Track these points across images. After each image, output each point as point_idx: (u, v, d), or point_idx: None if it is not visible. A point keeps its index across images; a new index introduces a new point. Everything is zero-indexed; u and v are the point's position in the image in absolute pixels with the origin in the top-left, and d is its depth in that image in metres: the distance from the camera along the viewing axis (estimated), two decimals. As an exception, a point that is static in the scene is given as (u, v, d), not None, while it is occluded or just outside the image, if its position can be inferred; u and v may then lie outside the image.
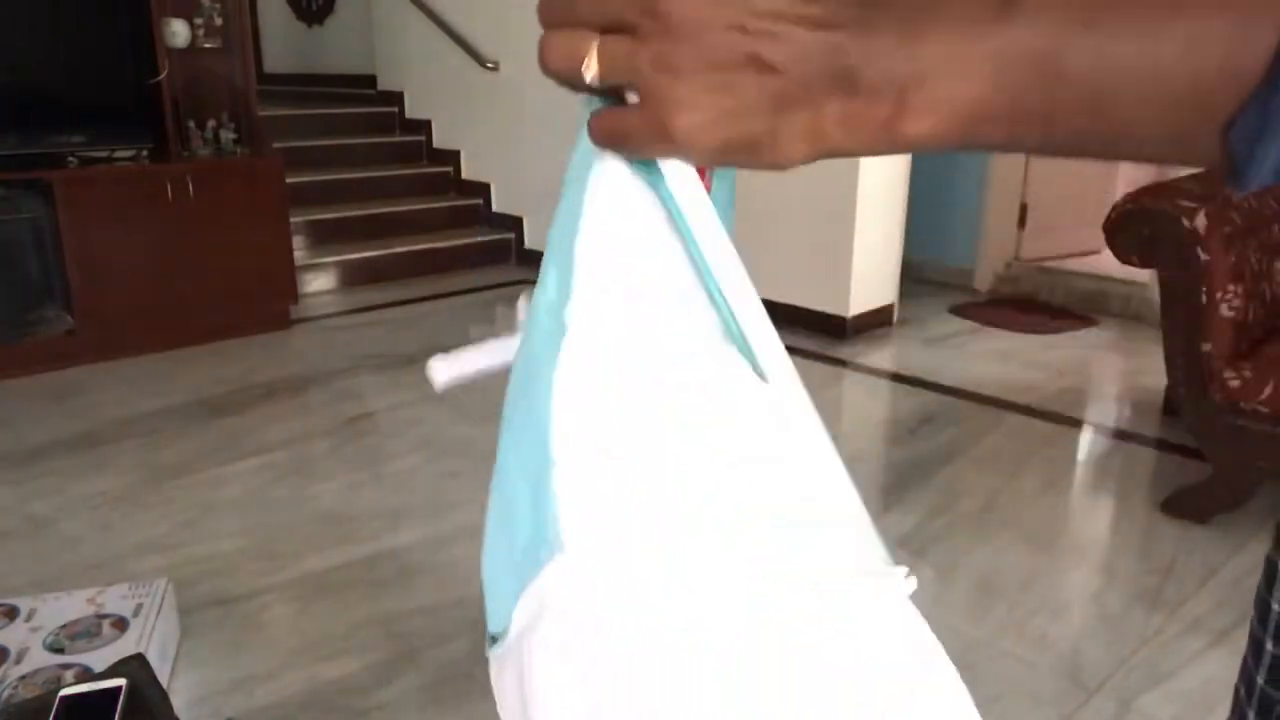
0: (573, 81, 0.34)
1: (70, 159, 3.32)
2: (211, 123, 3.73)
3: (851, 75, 0.31)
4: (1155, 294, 2.66)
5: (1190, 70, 0.30)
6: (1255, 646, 0.62)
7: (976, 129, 0.32)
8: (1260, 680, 0.62)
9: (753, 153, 0.33)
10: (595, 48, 0.33)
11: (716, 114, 0.32)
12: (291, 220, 3.94)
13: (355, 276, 4.62)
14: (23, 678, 1.56)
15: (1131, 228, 2.29)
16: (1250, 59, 0.29)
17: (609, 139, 0.35)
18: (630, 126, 0.34)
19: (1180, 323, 2.25)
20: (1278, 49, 0.29)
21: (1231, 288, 2.21)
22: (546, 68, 0.35)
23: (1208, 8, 0.30)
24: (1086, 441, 2.93)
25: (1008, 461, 2.72)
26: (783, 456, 0.38)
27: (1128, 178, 5.13)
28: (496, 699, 0.40)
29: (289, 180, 3.94)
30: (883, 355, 3.75)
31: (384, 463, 2.67)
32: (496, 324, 4.44)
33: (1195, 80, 0.30)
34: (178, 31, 3.61)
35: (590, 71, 0.33)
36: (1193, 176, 2.39)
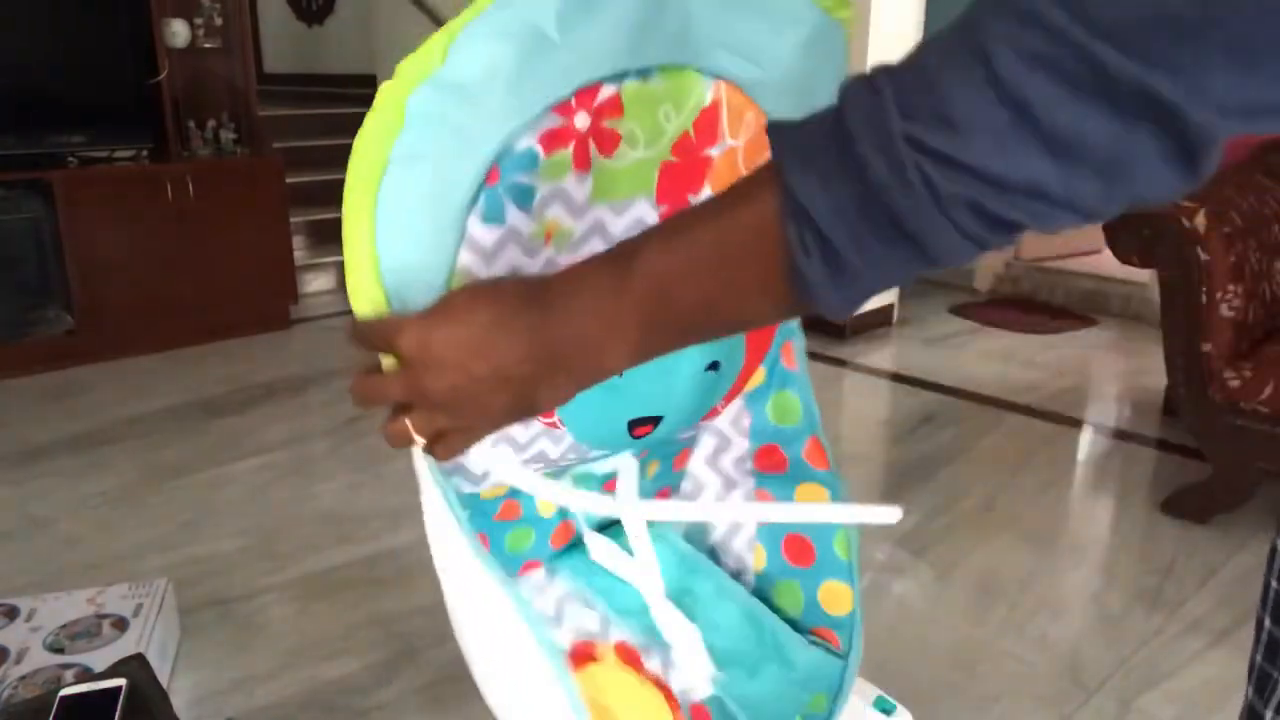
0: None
1: (70, 159, 3.32)
2: (211, 123, 3.73)
3: (556, 359, 0.47)
4: (1155, 294, 2.66)
5: (748, 279, 0.42)
6: (1258, 624, 0.66)
7: (648, 349, 0.46)
8: (1258, 658, 0.65)
9: (531, 412, 0.51)
10: (388, 428, 0.56)
11: (467, 437, 0.55)
12: (291, 220, 3.94)
13: (355, 276, 4.61)
14: (23, 678, 1.56)
15: (1131, 228, 2.29)
16: (777, 259, 0.40)
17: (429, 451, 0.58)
18: (432, 449, 0.58)
19: (1180, 323, 2.24)
20: (785, 252, 0.40)
21: (1231, 288, 2.21)
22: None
23: (739, 230, 0.42)
24: (1086, 441, 2.93)
25: (1008, 461, 2.72)
26: None
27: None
28: None
29: (289, 180, 3.94)
30: (883, 355, 3.75)
31: (384, 463, 2.67)
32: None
33: (754, 284, 0.42)
34: (178, 31, 3.61)
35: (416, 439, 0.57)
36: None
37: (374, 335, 0.53)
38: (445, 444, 0.55)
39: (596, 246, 0.65)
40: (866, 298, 0.42)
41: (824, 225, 0.38)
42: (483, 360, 0.47)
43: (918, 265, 0.41)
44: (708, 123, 0.65)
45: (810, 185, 0.38)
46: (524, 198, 0.61)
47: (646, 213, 0.66)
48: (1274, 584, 0.64)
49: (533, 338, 0.46)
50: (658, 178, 0.65)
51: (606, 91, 0.60)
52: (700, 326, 0.46)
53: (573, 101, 0.59)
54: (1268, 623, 0.64)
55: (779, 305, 0.43)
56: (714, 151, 0.67)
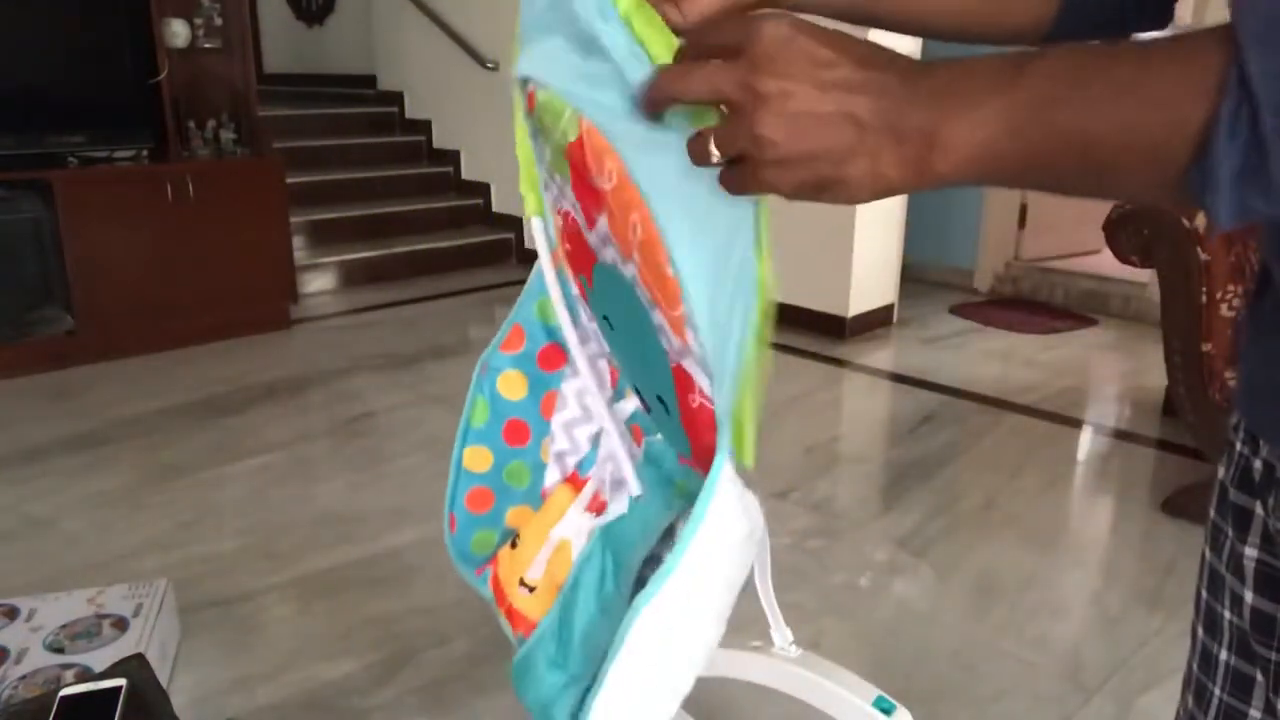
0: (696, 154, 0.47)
1: (70, 159, 3.32)
2: (211, 123, 3.73)
3: (899, 128, 0.41)
4: (1155, 294, 2.66)
5: (1151, 127, 0.38)
6: (1193, 633, 0.67)
7: (991, 166, 0.41)
8: (1194, 667, 0.67)
9: (827, 191, 0.44)
10: (691, 143, 0.46)
11: (798, 167, 0.43)
12: (291, 220, 3.94)
13: (355, 276, 4.62)
14: (23, 678, 1.56)
15: (1131, 228, 2.29)
16: (1194, 125, 0.37)
17: (721, 182, 0.47)
18: (736, 175, 0.45)
19: (1180, 323, 2.24)
20: (1208, 120, 0.36)
21: (1231, 288, 2.21)
22: (664, 105, 0.48)
23: (1166, 80, 0.37)
24: (1086, 441, 2.93)
25: (1008, 461, 2.72)
26: None
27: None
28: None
29: (289, 180, 3.94)
30: (882, 355, 3.75)
31: (384, 463, 2.67)
32: (496, 324, 4.45)
33: (1154, 136, 0.38)
34: (178, 31, 3.61)
35: (714, 154, 0.45)
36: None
37: (723, 28, 0.45)
38: (741, 174, 0.45)
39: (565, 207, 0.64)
40: (1257, 216, 0.38)
41: (1270, 119, 0.35)
42: (834, 83, 0.41)
43: None
44: (579, 157, 0.56)
45: (1273, 68, 0.35)
46: (536, 135, 0.64)
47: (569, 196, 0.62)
48: (1204, 594, 0.64)
49: (893, 92, 0.41)
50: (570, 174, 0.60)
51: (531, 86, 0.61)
52: (1057, 164, 0.40)
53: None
54: (1200, 632, 0.65)
55: (1160, 180, 0.39)
56: (602, 185, 0.55)
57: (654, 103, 0.47)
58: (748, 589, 1.20)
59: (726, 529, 0.57)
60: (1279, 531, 0.53)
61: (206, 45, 3.75)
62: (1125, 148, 0.39)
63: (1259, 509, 0.57)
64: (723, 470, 0.56)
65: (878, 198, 0.43)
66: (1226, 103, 0.36)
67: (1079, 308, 4.43)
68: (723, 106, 0.45)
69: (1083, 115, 0.39)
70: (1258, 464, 0.56)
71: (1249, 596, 0.59)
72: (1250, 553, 0.59)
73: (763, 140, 0.42)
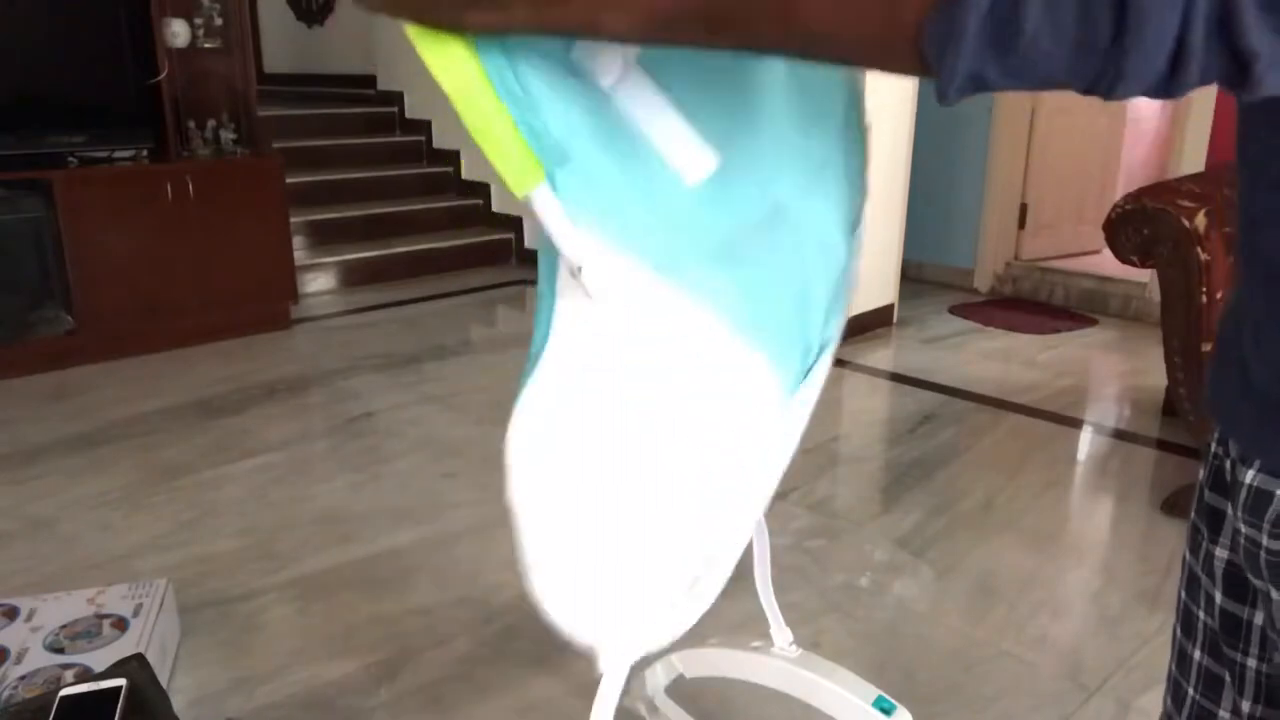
0: None
1: (70, 159, 3.32)
2: (211, 123, 3.73)
3: None
4: (1155, 294, 2.66)
5: None
6: (1173, 634, 0.67)
7: (671, 26, 0.33)
8: (1172, 667, 0.66)
9: (424, 12, 0.38)
10: None
11: None
12: (291, 220, 3.94)
13: (355, 276, 4.62)
14: (23, 678, 1.56)
15: (1131, 228, 2.29)
16: None
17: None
18: None
19: (1180, 323, 2.24)
20: None
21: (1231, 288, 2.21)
22: None
23: None
24: (1086, 441, 2.93)
25: (1008, 461, 2.72)
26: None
27: (1128, 178, 5.13)
28: None
29: (289, 180, 3.94)
30: (883, 355, 3.75)
31: (384, 463, 2.67)
32: (497, 324, 4.45)
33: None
34: (178, 31, 3.61)
35: None
36: (1193, 177, 2.39)
37: None
38: None
39: None
40: (990, 86, 0.33)
41: None
42: None
43: (1090, 62, 0.32)
44: None
45: None
46: None
47: None
48: (1183, 595, 0.65)
49: None
50: None
51: None
52: (754, 33, 0.33)
53: None
54: (1179, 633, 0.65)
55: (884, 45, 0.32)
56: None
57: None
58: (748, 589, 1.20)
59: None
60: (1244, 533, 0.53)
61: (206, 45, 3.74)
62: (839, 5, 0.32)
63: (1230, 510, 0.57)
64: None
65: (488, 33, 0.38)
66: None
67: (1079, 308, 4.43)
68: None
69: None
70: (1228, 465, 0.57)
71: (1218, 597, 0.60)
72: (1220, 553, 0.60)
73: None
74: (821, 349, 0.56)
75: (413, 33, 0.48)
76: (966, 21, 0.30)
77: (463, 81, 0.47)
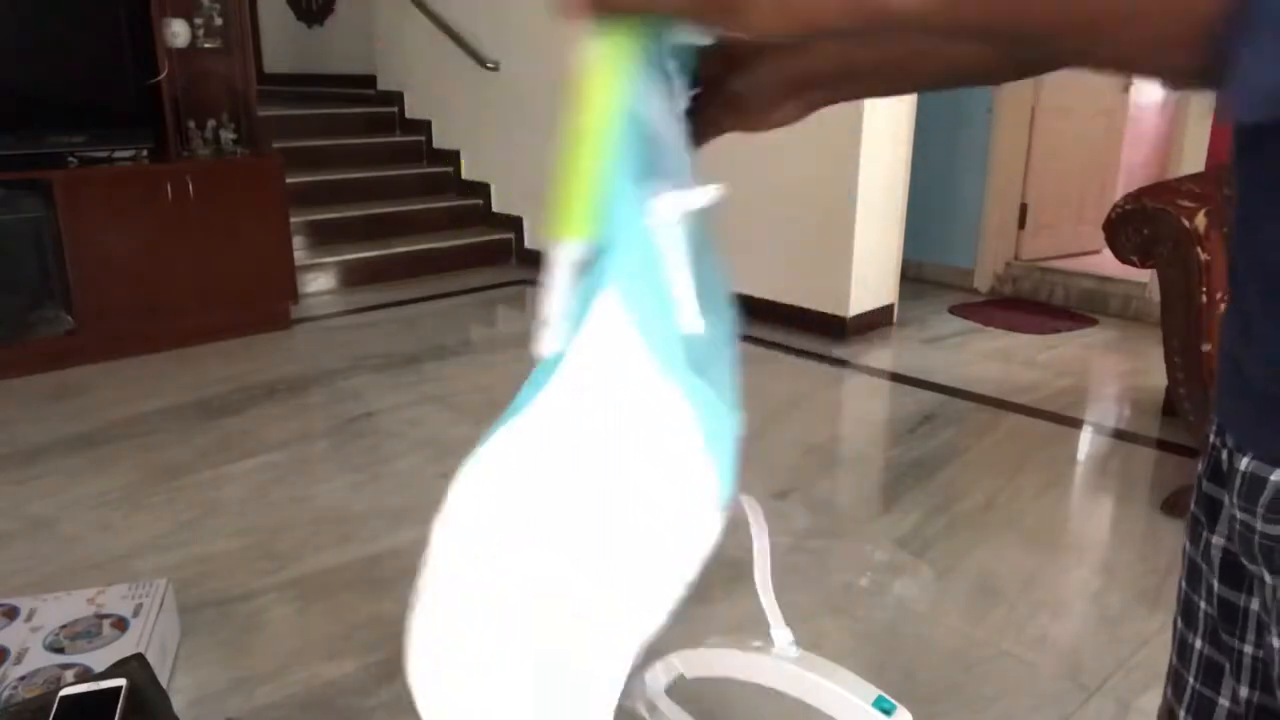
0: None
1: (70, 159, 3.32)
2: (211, 123, 3.73)
3: None
4: (1155, 294, 2.66)
5: None
6: (1174, 624, 0.66)
7: (956, 7, 0.31)
8: (1174, 659, 0.66)
9: (725, 14, 0.33)
10: None
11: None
12: (291, 220, 3.94)
13: (355, 276, 4.62)
14: (23, 678, 1.56)
15: (1131, 228, 2.29)
16: None
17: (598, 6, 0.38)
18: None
19: (1180, 323, 2.24)
20: None
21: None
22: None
23: None
24: (1086, 441, 2.93)
25: (1008, 461, 2.72)
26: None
27: (1128, 178, 5.13)
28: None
29: (289, 180, 3.94)
30: (883, 355, 3.75)
31: (384, 463, 2.67)
32: (497, 324, 4.45)
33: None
34: (178, 31, 3.61)
35: None
36: (1193, 177, 2.39)
37: None
38: None
39: None
40: None
41: None
42: None
43: None
44: None
45: None
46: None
47: None
48: (1183, 585, 0.65)
49: None
50: None
51: None
52: (1031, 20, 0.30)
53: None
54: (1180, 624, 0.65)
55: (1164, 49, 0.29)
56: None
57: None
58: (748, 589, 1.20)
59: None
60: (1239, 519, 0.54)
61: (206, 45, 3.74)
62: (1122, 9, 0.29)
63: (1227, 499, 0.58)
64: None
65: (793, 31, 0.32)
66: None
67: (1079, 308, 4.43)
68: None
69: None
70: (1225, 454, 0.57)
71: (1216, 585, 0.60)
72: (1217, 541, 0.60)
73: None
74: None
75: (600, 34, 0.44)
76: (1269, 17, 0.26)
77: (602, 110, 0.45)
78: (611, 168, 0.45)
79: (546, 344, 0.48)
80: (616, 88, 0.45)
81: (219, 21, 3.76)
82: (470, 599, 0.53)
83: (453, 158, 5.52)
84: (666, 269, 0.49)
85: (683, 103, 0.49)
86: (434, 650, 0.54)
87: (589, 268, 0.46)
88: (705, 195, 0.50)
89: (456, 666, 0.53)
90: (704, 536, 0.51)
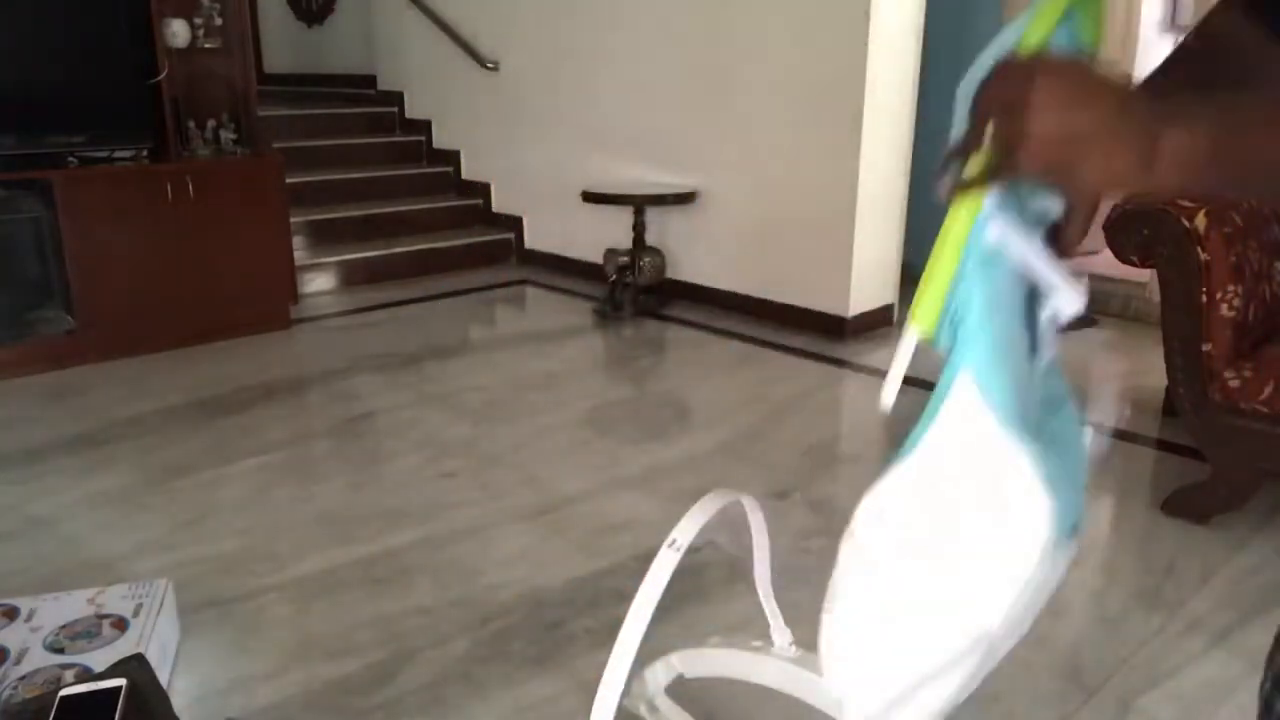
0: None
1: (70, 159, 3.32)
2: (211, 123, 3.73)
3: (1130, 132, 0.53)
4: (1155, 294, 2.66)
5: None
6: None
7: (1194, 174, 0.52)
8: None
9: (1068, 174, 0.55)
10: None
11: (1051, 150, 0.55)
12: (291, 220, 3.94)
13: (355, 276, 4.62)
14: (23, 678, 1.56)
15: (1131, 228, 2.29)
16: None
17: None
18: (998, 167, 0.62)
19: (1180, 323, 2.24)
20: None
21: (1231, 288, 2.21)
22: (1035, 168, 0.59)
23: None
24: (1086, 442, 2.92)
25: (1008, 461, 2.71)
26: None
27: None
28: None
29: (289, 180, 3.94)
30: (883, 355, 3.75)
31: (384, 463, 2.67)
32: (497, 324, 4.45)
33: None
34: (178, 32, 3.61)
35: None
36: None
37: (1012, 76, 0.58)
38: (1003, 164, 0.61)
39: None
40: None
41: None
42: (1081, 98, 0.54)
43: None
44: None
45: None
46: None
47: None
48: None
49: (1128, 109, 0.53)
50: None
51: None
52: (1247, 175, 0.54)
53: None
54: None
55: None
56: None
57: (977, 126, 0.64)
58: (748, 589, 1.20)
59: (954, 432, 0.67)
60: None
61: (206, 45, 3.74)
62: None
63: None
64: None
65: (1108, 187, 0.56)
66: None
67: (1079, 308, 4.42)
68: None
69: (1256, 154, 0.52)
70: None
71: None
72: None
73: (1031, 130, 0.55)
74: (1076, 526, 0.77)
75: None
76: None
77: (959, 228, 0.68)
78: (968, 278, 0.66)
79: (886, 395, 0.68)
80: (972, 221, 0.68)
81: (219, 21, 3.76)
82: (886, 589, 0.72)
83: (453, 158, 5.52)
84: (1012, 356, 0.70)
85: (1042, 230, 0.67)
86: (857, 622, 0.75)
87: (951, 353, 0.68)
88: (1071, 301, 0.69)
89: (875, 637, 0.74)
90: (1036, 549, 0.67)
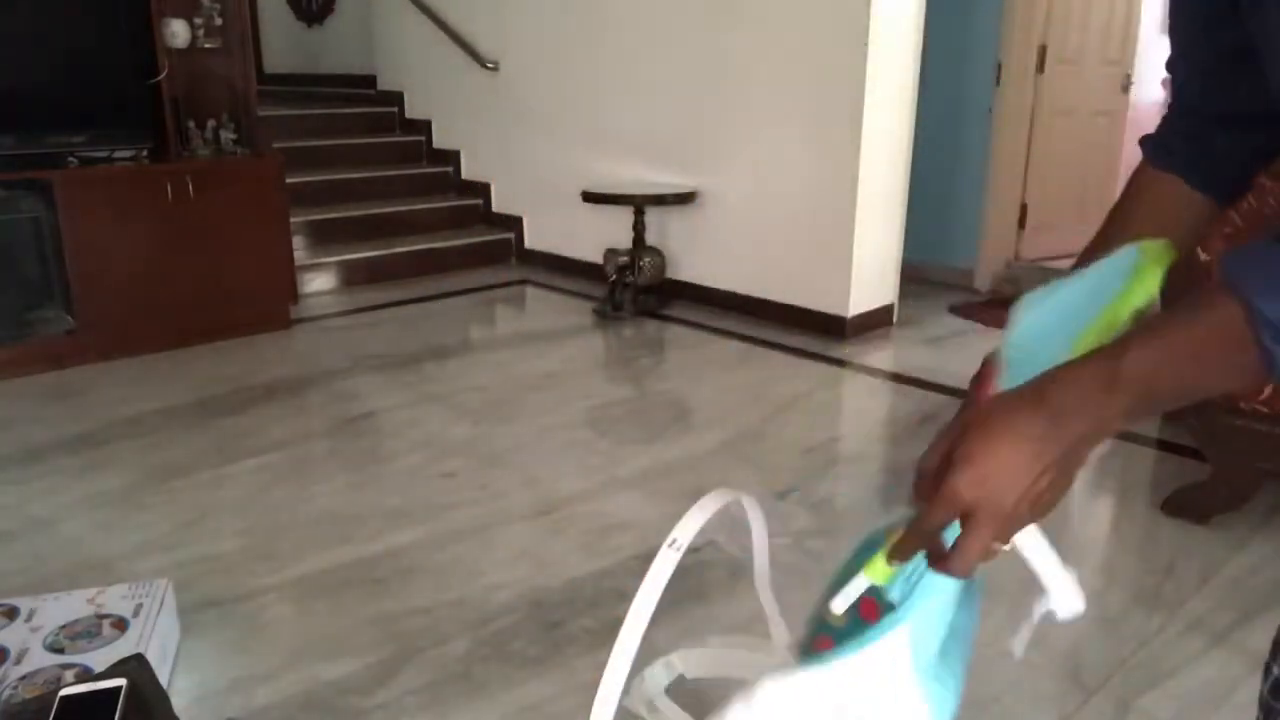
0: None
1: (70, 159, 3.32)
2: (211, 123, 3.74)
3: (1075, 450, 0.60)
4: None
5: (1227, 368, 0.56)
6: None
7: (1119, 428, 0.58)
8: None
9: (1037, 511, 0.68)
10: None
11: (1014, 522, 0.67)
12: (291, 220, 3.94)
13: (355, 276, 4.62)
14: (23, 678, 1.56)
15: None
16: (1251, 352, 0.53)
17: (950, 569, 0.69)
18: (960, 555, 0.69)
19: (1180, 323, 2.24)
20: (1258, 346, 0.53)
21: (1231, 288, 2.21)
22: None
23: (1214, 345, 0.56)
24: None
25: (1008, 461, 2.71)
26: None
27: (1128, 176, 5.12)
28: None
29: (289, 180, 3.94)
30: (883, 355, 3.75)
31: (384, 463, 2.67)
32: (496, 324, 4.45)
33: (1229, 370, 0.56)
34: (178, 32, 3.61)
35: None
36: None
37: (937, 507, 0.64)
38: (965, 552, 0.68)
39: None
40: None
41: None
42: (1014, 484, 0.61)
43: None
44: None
45: (1273, 298, 0.52)
46: None
47: None
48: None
49: (1045, 449, 0.58)
50: None
51: None
52: (1169, 404, 0.60)
53: None
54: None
55: (1245, 382, 0.56)
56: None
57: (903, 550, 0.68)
58: (748, 589, 1.20)
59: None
60: None
61: (206, 45, 3.74)
62: (1210, 382, 0.58)
63: None
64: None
65: (1092, 448, 0.61)
66: (1264, 335, 0.52)
67: (1079, 308, 4.43)
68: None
69: (1170, 381, 0.57)
70: None
71: None
72: None
73: (987, 520, 0.65)
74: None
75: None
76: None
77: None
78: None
79: (838, 604, 0.74)
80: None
81: (219, 21, 3.76)
82: None
83: (453, 158, 5.52)
84: (947, 623, 0.79)
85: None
86: None
87: (896, 605, 0.73)
88: (1070, 603, 0.75)
89: None
90: None
